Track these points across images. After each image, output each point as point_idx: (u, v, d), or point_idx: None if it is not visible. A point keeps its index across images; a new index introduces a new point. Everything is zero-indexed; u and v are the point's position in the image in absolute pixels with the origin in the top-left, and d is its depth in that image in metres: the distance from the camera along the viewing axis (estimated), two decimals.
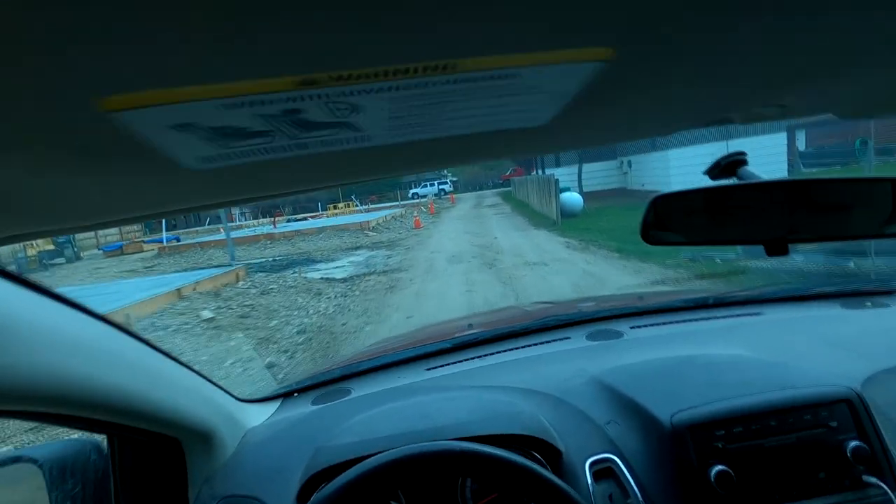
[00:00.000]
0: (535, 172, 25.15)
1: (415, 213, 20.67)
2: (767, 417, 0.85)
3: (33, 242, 14.08)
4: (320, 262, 10.90)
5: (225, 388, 1.00)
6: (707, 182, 0.74)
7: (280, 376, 4.04)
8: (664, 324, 1.31)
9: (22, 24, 0.13)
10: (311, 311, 6.30)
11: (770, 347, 1.10)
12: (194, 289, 8.07)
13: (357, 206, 34.26)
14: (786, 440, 0.84)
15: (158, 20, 0.14)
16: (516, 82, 0.22)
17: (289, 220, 27.80)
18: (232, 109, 0.20)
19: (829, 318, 1.28)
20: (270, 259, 12.05)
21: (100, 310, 0.64)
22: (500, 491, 0.85)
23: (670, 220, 0.75)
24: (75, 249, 19.41)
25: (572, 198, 14.70)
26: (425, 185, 43.30)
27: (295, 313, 6.26)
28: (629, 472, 0.85)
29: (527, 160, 28.83)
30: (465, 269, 8.05)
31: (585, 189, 17.38)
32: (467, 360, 1.24)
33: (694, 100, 0.32)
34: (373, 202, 38.53)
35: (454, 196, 37.30)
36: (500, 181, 45.05)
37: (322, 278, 8.55)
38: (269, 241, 16.60)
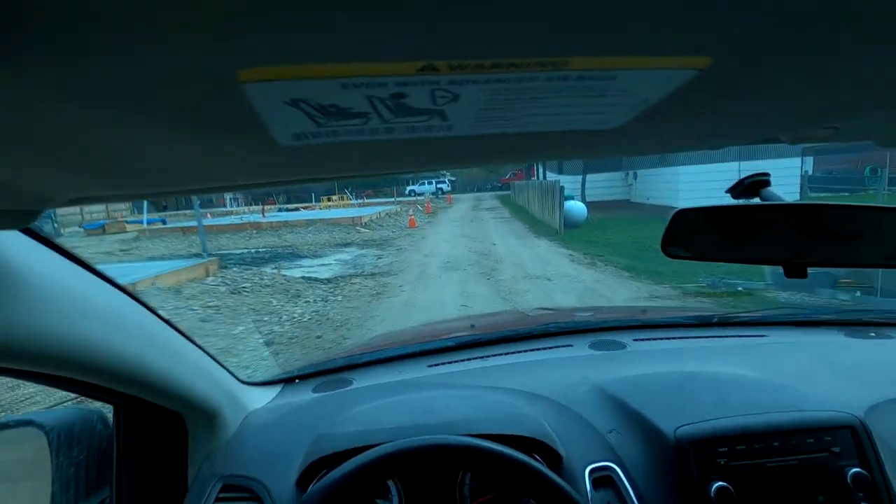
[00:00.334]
0: (535, 178, 24.55)
1: (410, 212, 19.84)
2: (771, 438, 0.86)
3: None
4: (305, 257, 10.25)
5: (229, 369, 1.00)
6: (728, 200, 0.77)
7: None
8: (668, 339, 1.31)
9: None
10: (284, 318, 5.59)
11: (774, 370, 1.09)
12: (152, 283, 6.99)
13: (351, 199, 33.29)
14: (788, 462, 0.85)
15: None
16: (610, 84, 0.21)
17: (279, 210, 26.87)
18: (347, 89, 0.20)
19: (834, 345, 1.26)
20: (252, 251, 11.33)
21: None
22: (501, 488, 0.87)
23: (691, 235, 0.77)
24: (55, 225, 18.35)
25: (576, 207, 14.02)
26: (423, 183, 42.30)
27: (265, 319, 5.54)
28: (629, 481, 0.86)
29: (527, 165, 28.30)
30: (460, 277, 7.38)
31: (588, 198, 16.76)
32: (469, 359, 1.24)
33: (758, 116, 0.32)
34: (368, 197, 37.44)
35: (451, 196, 36.42)
36: (500, 184, 44.40)
37: (304, 277, 7.83)
38: (255, 231, 15.78)
